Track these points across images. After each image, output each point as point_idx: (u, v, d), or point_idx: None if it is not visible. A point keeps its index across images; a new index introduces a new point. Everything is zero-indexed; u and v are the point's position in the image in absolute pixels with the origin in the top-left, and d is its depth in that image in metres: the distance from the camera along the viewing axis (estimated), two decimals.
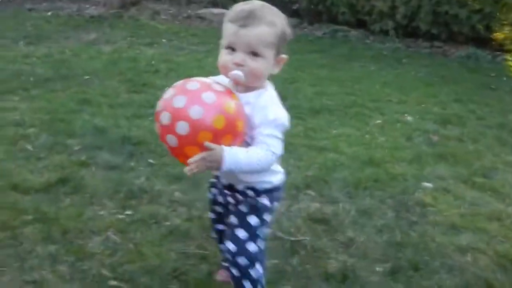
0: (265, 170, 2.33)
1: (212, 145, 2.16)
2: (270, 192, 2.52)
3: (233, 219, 2.51)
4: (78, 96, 6.13)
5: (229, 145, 2.21)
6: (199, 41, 10.11)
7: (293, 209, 3.86)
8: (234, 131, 2.22)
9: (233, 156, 2.19)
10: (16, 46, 8.92)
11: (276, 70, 2.38)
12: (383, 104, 6.73)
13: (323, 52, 9.88)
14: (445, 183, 4.52)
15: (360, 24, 12.25)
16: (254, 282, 2.46)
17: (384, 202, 4.09)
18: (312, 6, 12.85)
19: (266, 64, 2.32)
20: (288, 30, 2.38)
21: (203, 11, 13.30)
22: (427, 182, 4.50)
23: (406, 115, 6.36)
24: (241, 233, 2.43)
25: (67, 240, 3.29)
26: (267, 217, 2.51)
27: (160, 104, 2.28)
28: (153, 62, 8.09)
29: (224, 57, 2.38)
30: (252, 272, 2.44)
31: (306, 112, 6.10)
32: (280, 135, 2.31)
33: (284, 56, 2.38)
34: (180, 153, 2.23)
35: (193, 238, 3.40)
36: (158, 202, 3.81)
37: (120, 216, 3.59)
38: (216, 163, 2.19)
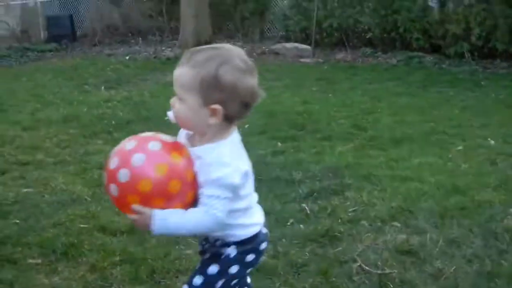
0: (213, 231, 2.19)
1: (141, 209, 2.07)
2: (241, 244, 2.30)
3: (197, 265, 2.41)
4: None
5: (162, 207, 2.08)
6: (275, 76, 10.17)
7: (379, 242, 3.80)
8: (166, 193, 2.08)
9: (162, 221, 2.08)
10: (98, 91, 9.20)
11: (211, 121, 2.11)
12: (463, 130, 6.61)
13: (399, 80, 9.82)
14: None
15: (435, 49, 12.15)
16: None
17: (471, 230, 3.98)
18: (385, 34, 12.80)
19: (188, 110, 2.13)
20: (226, 78, 2.07)
21: (276, 47, 13.41)
22: None
23: (488, 139, 6.21)
24: (196, 279, 2.30)
25: (155, 280, 3.33)
26: (232, 269, 2.30)
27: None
28: None
29: None
30: None
31: (387, 142, 6.04)
32: (225, 195, 2.09)
33: (215, 106, 2.08)
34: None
35: (280, 275, 3.39)
36: None
37: None
38: (145, 227, 2.10)
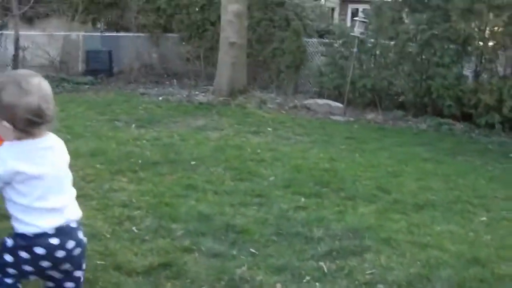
0: None
1: None
2: (18, 237, 2.68)
3: None
4: (184, 181, 6.27)
5: None
6: (304, 131, 10.23)
7: None
8: None
9: None
10: (128, 129, 9.29)
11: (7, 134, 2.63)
12: (488, 201, 6.57)
13: (428, 145, 9.81)
14: None
15: (466, 117, 12.16)
16: None
17: None
18: (417, 99, 12.84)
19: None
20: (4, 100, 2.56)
21: (308, 102, 13.48)
22: None
23: None
24: None
25: None
26: (6, 256, 2.69)
27: None
28: (258, 150, 8.22)
29: None
30: None
31: (410, 207, 6.00)
32: None
33: (5, 123, 2.59)
34: None
35: None
36: None
37: None
38: None
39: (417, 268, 4.39)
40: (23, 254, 2.66)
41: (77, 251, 2.78)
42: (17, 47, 15.15)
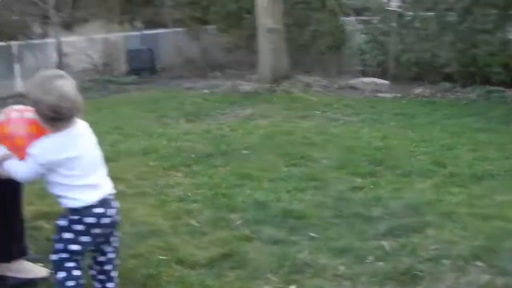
0: (17, 178, 3.22)
1: None
2: (67, 212, 3.16)
3: None
4: (238, 171, 6.28)
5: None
6: (352, 111, 10.15)
7: (462, 282, 3.70)
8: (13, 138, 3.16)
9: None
10: (177, 124, 9.34)
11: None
12: None
13: (479, 115, 9.62)
14: None
15: None
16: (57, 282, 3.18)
17: None
18: (464, 69, 12.60)
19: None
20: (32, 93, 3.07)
21: (354, 81, 13.38)
22: None
23: None
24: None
25: None
26: (66, 234, 3.14)
27: None
28: (309, 134, 8.18)
29: None
30: (56, 274, 3.18)
31: (468, 179, 5.90)
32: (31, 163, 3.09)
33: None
34: None
35: None
36: (322, 276, 3.78)
37: None
38: None
39: (481, 240, 4.31)
40: (78, 227, 3.12)
41: (116, 217, 3.28)
42: (59, 54, 15.37)
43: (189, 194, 5.55)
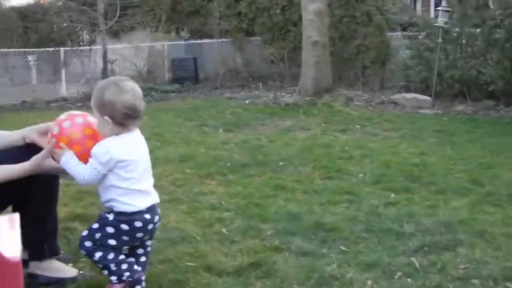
0: (81, 183, 3.27)
1: (65, 147, 3.24)
2: (119, 214, 3.23)
3: None
4: (273, 182, 6.29)
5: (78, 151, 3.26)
6: (392, 127, 10.09)
7: None
8: (83, 144, 3.28)
9: (67, 158, 3.22)
10: (216, 133, 9.42)
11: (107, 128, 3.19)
12: None
13: None
14: None
15: None
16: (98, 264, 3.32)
17: None
18: (508, 87, 12.43)
19: (98, 122, 3.25)
20: (106, 98, 3.15)
21: (396, 96, 13.31)
22: None
23: None
24: (84, 231, 3.35)
25: None
26: (108, 229, 3.24)
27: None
28: (347, 148, 8.15)
29: None
30: (93, 258, 3.29)
31: (505, 199, 5.79)
32: (94, 166, 3.18)
33: (106, 118, 3.15)
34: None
35: None
36: None
37: None
38: (59, 157, 3.25)
39: None
40: (124, 226, 3.22)
41: (158, 224, 3.41)
42: (105, 61, 15.62)
43: (223, 202, 5.58)
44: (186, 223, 4.95)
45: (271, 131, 9.70)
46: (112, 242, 3.24)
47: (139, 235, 3.28)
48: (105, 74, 15.24)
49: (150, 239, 3.44)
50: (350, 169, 6.88)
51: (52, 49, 15.93)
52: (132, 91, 3.17)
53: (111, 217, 3.24)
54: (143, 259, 3.46)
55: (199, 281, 3.79)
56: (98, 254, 3.24)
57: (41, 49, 15.94)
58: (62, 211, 5.01)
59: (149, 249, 3.49)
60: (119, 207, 3.22)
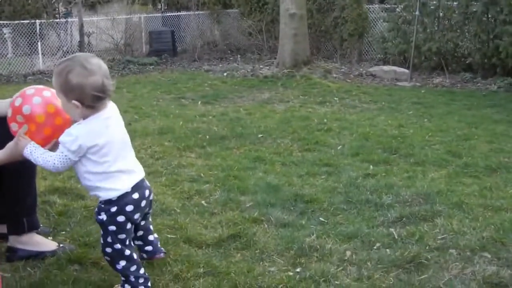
0: (51, 171, 3.21)
1: (25, 136, 3.19)
2: (107, 203, 3.14)
3: None
4: (252, 154, 6.30)
5: (50, 135, 3.23)
6: (371, 99, 10.13)
7: (467, 272, 3.67)
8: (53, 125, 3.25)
9: (32, 148, 3.14)
10: (194, 106, 9.39)
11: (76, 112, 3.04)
12: None
13: (498, 107, 9.55)
14: None
15: None
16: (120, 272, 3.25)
17: None
18: (485, 60, 12.50)
19: (63, 105, 3.10)
20: (71, 80, 2.96)
21: (374, 69, 13.34)
22: None
23: None
24: (101, 239, 3.23)
25: None
26: (111, 227, 3.14)
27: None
28: (325, 120, 8.18)
29: None
30: (115, 265, 3.22)
31: (482, 170, 5.85)
32: (65, 153, 3.05)
33: (74, 102, 2.98)
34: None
35: None
36: (328, 260, 3.77)
37: (290, 273, 3.59)
38: (22, 148, 3.16)
39: (490, 232, 4.27)
40: (120, 218, 3.13)
41: (151, 196, 3.33)
42: (82, 33, 15.45)
43: (202, 175, 5.58)
44: (166, 196, 4.95)
45: (249, 103, 9.68)
46: (121, 236, 3.16)
47: (137, 216, 3.18)
48: (82, 47, 15.11)
49: (149, 211, 3.40)
50: (329, 141, 6.90)
51: (27, 21, 15.69)
52: (99, 71, 2.99)
53: (103, 216, 3.12)
54: (151, 238, 3.52)
55: (179, 253, 3.79)
56: (122, 263, 3.19)
57: (16, 22, 15.69)
58: (41, 184, 4.99)
59: (150, 218, 3.53)
60: (103, 195, 3.12)
